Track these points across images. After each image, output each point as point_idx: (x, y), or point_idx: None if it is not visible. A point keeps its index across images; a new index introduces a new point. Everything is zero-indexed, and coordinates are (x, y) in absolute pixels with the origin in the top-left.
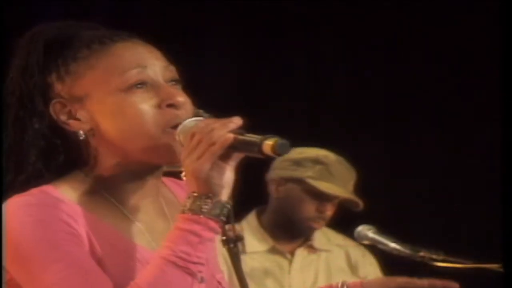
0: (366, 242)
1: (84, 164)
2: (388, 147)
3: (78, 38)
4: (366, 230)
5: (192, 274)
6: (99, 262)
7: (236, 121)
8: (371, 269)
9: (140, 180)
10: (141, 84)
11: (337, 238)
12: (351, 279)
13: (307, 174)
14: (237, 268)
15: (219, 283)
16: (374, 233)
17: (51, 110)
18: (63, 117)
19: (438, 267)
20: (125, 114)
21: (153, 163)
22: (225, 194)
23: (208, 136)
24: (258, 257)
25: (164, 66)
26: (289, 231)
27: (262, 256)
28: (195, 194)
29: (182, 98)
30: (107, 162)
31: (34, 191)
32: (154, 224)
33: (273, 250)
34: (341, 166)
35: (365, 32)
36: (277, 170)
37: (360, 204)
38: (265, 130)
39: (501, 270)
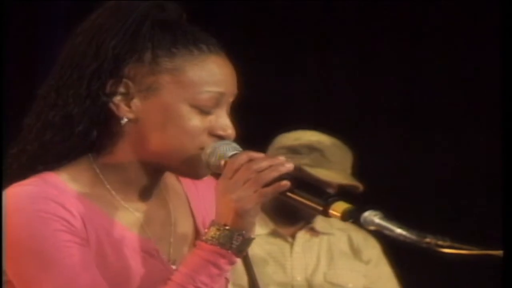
0: (372, 227)
1: (97, 149)
2: (393, 135)
3: (182, 32)
4: (372, 216)
5: None
6: (95, 252)
7: (288, 165)
8: (374, 252)
9: (146, 179)
10: (208, 111)
11: (338, 222)
12: (353, 263)
13: (304, 161)
14: (249, 271)
15: None
16: (381, 218)
17: (109, 84)
18: (116, 98)
19: (444, 253)
20: (177, 126)
21: (172, 172)
22: (254, 230)
23: (258, 176)
24: (259, 240)
25: (234, 94)
26: (291, 216)
27: (263, 239)
28: (227, 228)
29: (232, 131)
30: (125, 155)
31: (36, 179)
32: (154, 215)
33: (274, 233)
34: (337, 150)
35: (367, 29)
36: None
37: (360, 187)
38: (268, 116)
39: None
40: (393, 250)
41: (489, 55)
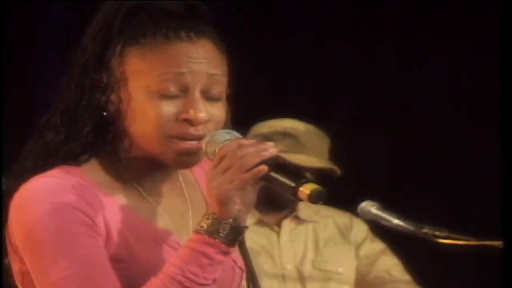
0: (369, 218)
1: (110, 144)
2: (393, 134)
3: (155, 21)
4: (369, 206)
5: None
6: (116, 245)
7: (271, 151)
8: (364, 230)
9: (159, 166)
10: (172, 95)
11: (322, 210)
12: (342, 247)
13: (279, 148)
14: (246, 259)
15: (234, 261)
16: (378, 209)
17: (95, 80)
18: (99, 92)
19: (441, 243)
20: (145, 114)
21: (164, 164)
22: (244, 219)
23: (240, 162)
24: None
25: (209, 75)
26: (273, 204)
27: (250, 229)
28: (214, 216)
29: (203, 114)
30: (127, 146)
31: (59, 171)
32: (174, 207)
33: (260, 222)
34: (311, 135)
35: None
36: None
37: (337, 171)
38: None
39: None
40: (390, 245)
41: (489, 54)
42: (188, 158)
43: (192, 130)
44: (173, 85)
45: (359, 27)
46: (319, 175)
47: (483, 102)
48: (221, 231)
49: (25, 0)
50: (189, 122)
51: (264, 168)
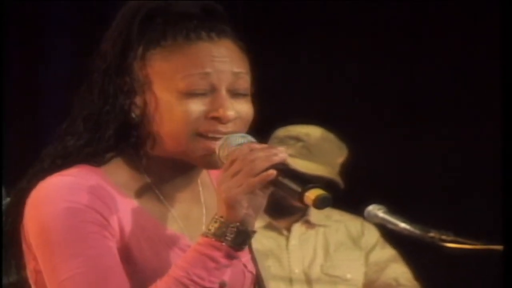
0: (376, 221)
1: (132, 146)
2: (393, 134)
3: (173, 23)
4: (376, 210)
5: None
6: (128, 247)
7: (282, 155)
8: (375, 236)
9: (180, 171)
10: (199, 94)
11: (334, 214)
12: (352, 253)
13: (289, 152)
14: (252, 262)
15: (245, 266)
16: (384, 213)
17: (117, 84)
18: (123, 96)
19: (447, 247)
20: (173, 113)
21: (189, 164)
22: (252, 223)
23: (250, 166)
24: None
25: (233, 74)
26: (282, 207)
27: (259, 233)
28: (222, 220)
29: (231, 112)
30: (151, 149)
31: (78, 170)
32: (189, 212)
33: (269, 226)
34: (324, 144)
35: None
36: None
37: (340, 183)
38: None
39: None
40: (395, 246)
41: (489, 54)
42: (214, 159)
43: (221, 127)
44: (200, 85)
45: (359, 27)
46: (327, 184)
47: (483, 102)
48: (228, 234)
49: (25, 0)
50: (218, 120)
51: (272, 172)
